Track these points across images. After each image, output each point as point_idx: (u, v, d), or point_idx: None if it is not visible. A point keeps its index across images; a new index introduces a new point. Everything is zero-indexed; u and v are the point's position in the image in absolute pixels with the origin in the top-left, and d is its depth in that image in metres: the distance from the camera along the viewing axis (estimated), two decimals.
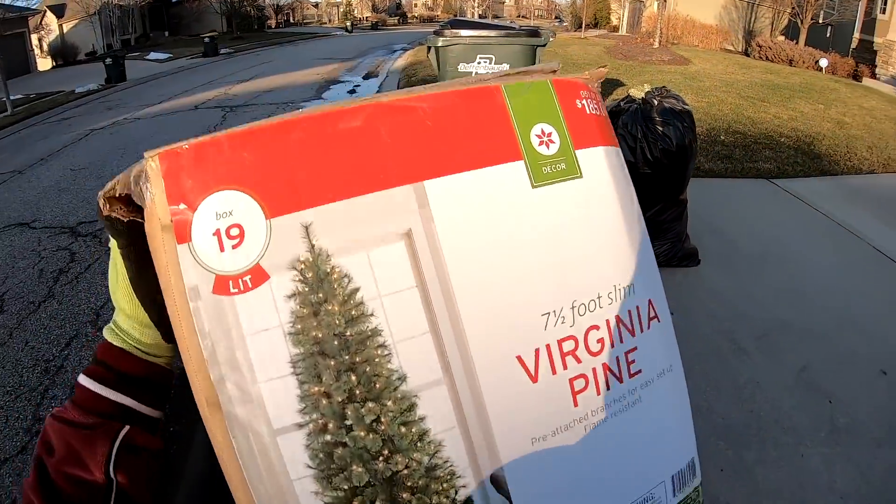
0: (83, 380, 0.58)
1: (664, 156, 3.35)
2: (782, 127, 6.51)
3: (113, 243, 0.56)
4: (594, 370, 0.54)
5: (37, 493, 0.52)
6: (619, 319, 0.57)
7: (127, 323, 0.59)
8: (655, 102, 3.40)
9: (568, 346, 0.53)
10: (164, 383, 0.62)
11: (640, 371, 0.58)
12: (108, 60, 12.75)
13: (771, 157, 5.71)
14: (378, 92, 9.61)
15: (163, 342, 0.59)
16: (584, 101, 0.58)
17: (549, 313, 0.52)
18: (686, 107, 3.47)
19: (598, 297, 0.55)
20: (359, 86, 10.81)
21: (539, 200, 0.53)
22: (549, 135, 0.54)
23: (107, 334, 0.60)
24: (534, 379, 0.51)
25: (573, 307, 0.53)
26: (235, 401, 0.45)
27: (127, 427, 0.57)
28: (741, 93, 7.86)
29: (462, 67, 3.96)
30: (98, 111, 9.03)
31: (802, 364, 3.08)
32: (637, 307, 0.59)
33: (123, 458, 0.55)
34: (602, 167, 0.58)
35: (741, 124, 6.57)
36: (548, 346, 0.52)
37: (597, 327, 0.55)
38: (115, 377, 0.58)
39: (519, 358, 0.50)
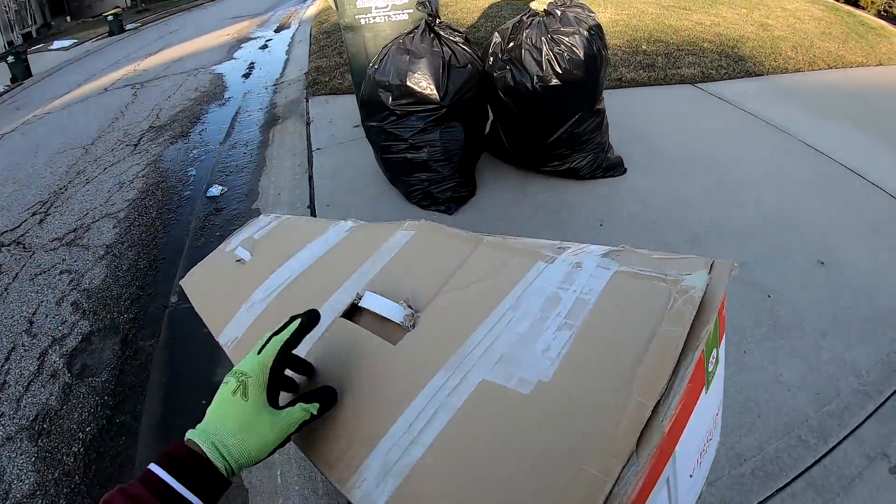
0: (166, 477, 0.63)
1: (573, 66, 3.10)
2: (705, 33, 6.29)
3: (288, 433, 0.71)
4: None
5: None
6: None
7: (237, 461, 0.67)
8: (559, 13, 3.12)
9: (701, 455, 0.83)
10: (223, 491, 0.68)
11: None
12: (10, 59, 11.75)
13: (694, 63, 5.49)
14: (290, 44, 9.45)
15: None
16: None
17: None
18: (591, 14, 3.21)
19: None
20: (270, 40, 10.28)
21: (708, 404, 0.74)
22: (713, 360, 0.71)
23: (207, 450, 0.66)
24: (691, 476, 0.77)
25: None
26: None
27: None
28: (661, 2, 7.61)
29: (360, 3, 3.66)
30: (6, 113, 8.28)
31: (738, 262, 2.88)
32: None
33: None
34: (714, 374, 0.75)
35: (663, 33, 6.32)
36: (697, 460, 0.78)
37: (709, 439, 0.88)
38: (197, 481, 0.64)
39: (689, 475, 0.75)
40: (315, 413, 0.74)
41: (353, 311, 0.92)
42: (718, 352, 0.72)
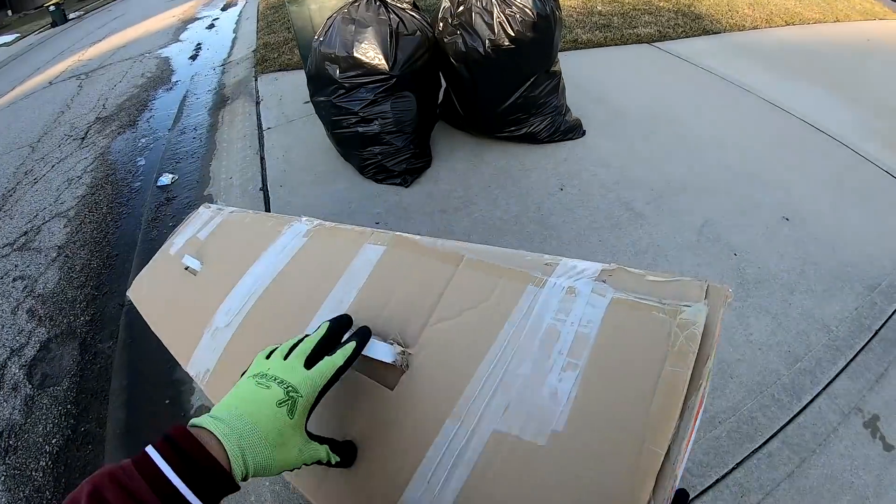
0: (171, 475, 0.57)
1: (526, 28, 2.99)
2: None
3: (314, 456, 0.70)
4: None
5: None
6: None
7: (256, 467, 0.63)
8: None
9: None
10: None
11: None
12: None
13: (651, 22, 5.42)
14: (237, 21, 9.17)
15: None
16: None
17: None
18: None
19: None
20: (217, 19, 9.93)
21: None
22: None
23: (228, 446, 0.61)
24: None
25: None
26: None
27: None
28: None
29: None
30: None
31: (702, 221, 2.86)
32: None
33: None
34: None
35: None
36: None
37: None
38: (204, 483, 0.58)
39: None
40: (332, 464, 0.73)
41: None
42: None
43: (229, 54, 7.28)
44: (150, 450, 0.58)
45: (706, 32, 5.30)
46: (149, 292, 1.40)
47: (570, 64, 4.29)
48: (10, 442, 2.59)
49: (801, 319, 2.34)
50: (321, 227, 1.14)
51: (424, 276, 0.89)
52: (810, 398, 2.06)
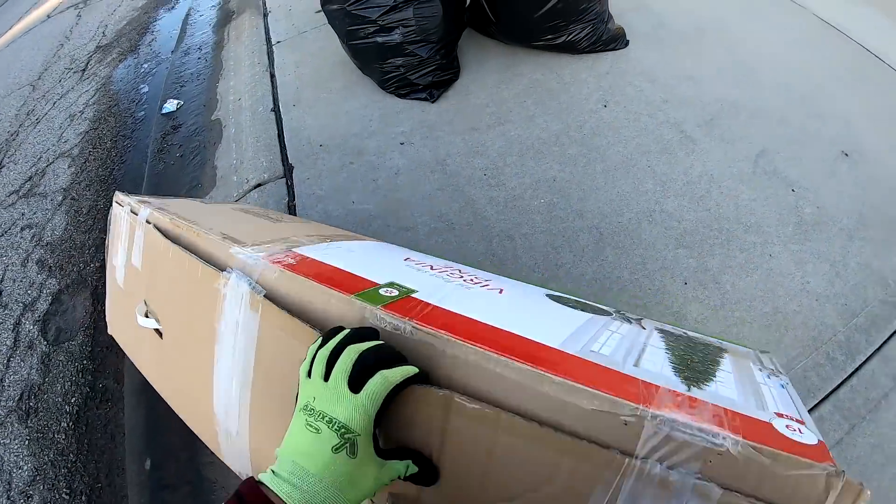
0: None
1: None
2: None
3: (391, 473, 0.67)
4: None
5: None
6: None
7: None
8: None
9: None
10: None
11: None
12: None
13: None
14: None
15: None
16: None
17: None
18: None
19: None
20: None
21: None
22: None
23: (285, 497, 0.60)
24: None
25: None
26: None
27: None
28: None
29: None
30: None
31: (758, 150, 2.63)
32: None
33: None
34: None
35: None
36: None
37: None
38: None
39: None
40: (411, 476, 0.70)
41: None
42: None
43: None
44: None
45: None
46: (129, 341, 1.31)
47: None
48: (31, 403, 2.56)
49: (859, 270, 2.16)
50: (269, 308, 0.88)
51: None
52: (864, 359, 1.92)
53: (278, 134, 3.19)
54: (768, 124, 2.76)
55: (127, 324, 1.29)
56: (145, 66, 5.12)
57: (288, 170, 2.92)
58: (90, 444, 2.37)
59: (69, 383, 2.60)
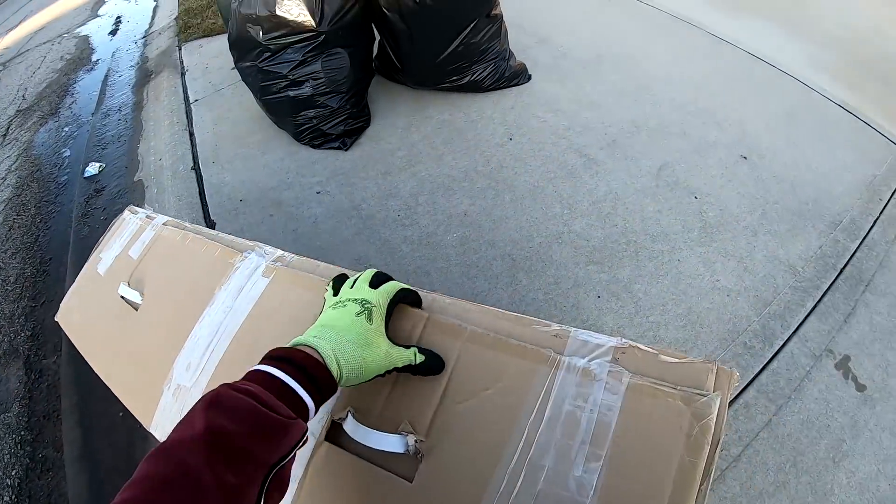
0: (281, 375, 0.65)
1: None
2: None
3: (400, 356, 0.78)
4: None
5: (205, 453, 0.53)
6: None
7: (349, 375, 0.71)
8: None
9: None
10: (327, 399, 0.71)
11: None
12: None
13: None
14: None
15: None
16: None
17: None
18: None
19: None
20: None
21: None
22: None
23: (322, 349, 0.70)
24: None
25: None
26: None
27: (308, 427, 0.64)
28: None
29: None
30: None
31: (659, 164, 2.75)
32: None
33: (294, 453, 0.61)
34: None
35: None
36: None
37: None
38: (311, 384, 0.66)
39: None
40: (420, 363, 0.79)
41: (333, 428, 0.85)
42: None
43: (151, 24, 6.82)
44: (259, 366, 0.67)
45: None
46: (83, 322, 1.29)
47: (510, 5, 4.07)
48: None
49: (767, 262, 2.27)
50: (284, 270, 1.05)
51: None
52: (782, 343, 2.01)
53: (199, 191, 3.19)
54: (668, 139, 2.88)
55: (89, 305, 1.31)
56: (66, 129, 5.03)
57: (210, 226, 2.90)
58: None
59: (8, 455, 2.49)
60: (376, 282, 0.84)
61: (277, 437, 0.58)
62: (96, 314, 1.27)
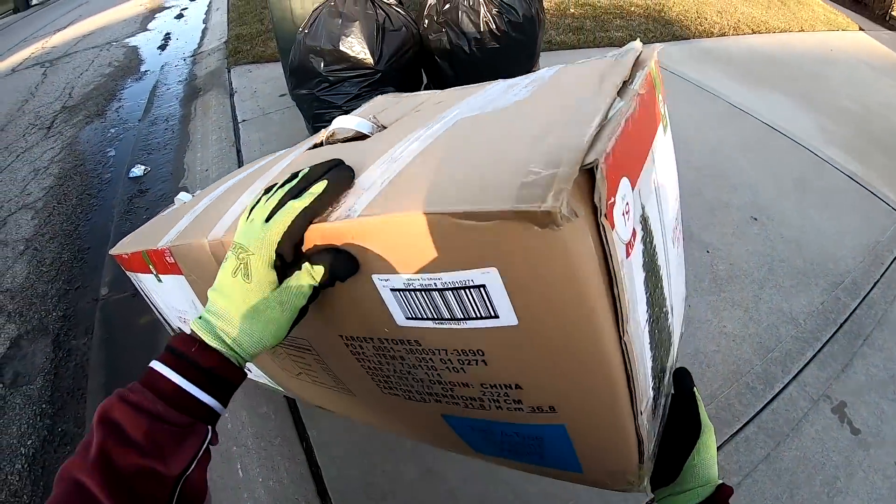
0: (171, 375, 0.59)
1: (511, 28, 3.06)
2: None
3: (295, 308, 0.62)
4: (678, 229, 0.98)
5: (99, 477, 0.51)
6: (678, 199, 0.97)
7: (245, 350, 0.62)
8: None
9: (677, 224, 0.96)
10: (237, 387, 0.65)
11: (679, 227, 1.02)
12: None
13: (622, 27, 5.54)
14: (207, 11, 9.01)
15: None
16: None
17: (676, 207, 0.93)
18: None
19: (678, 191, 0.97)
20: (186, 8, 9.62)
21: (667, 144, 0.89)
22: (662, 99, 0.86)
23: (209, 339, 0.61)
24: (674, 245, 0.88)
25: (676, 198, 0.94)
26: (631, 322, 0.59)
27: (211, 429, 0.60)
28: None
29: None
30: None
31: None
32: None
33: (202, 456, 0.58)
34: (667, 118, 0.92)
35: None
36: (675, 226, 0.90)
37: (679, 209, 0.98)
38: (207, 380, 0.60)
39: (672, 239, 0.86)
40: (322, 281, 0.62)
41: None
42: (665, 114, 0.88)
43: (200, 45, 7.13)
44: (154, 364, 0.60)
45: (675, 38, 5.45)
46: (128, 240, 1.36)
47: (545, 64, 4.33)
48: None
49: (771, 313, 2.47)
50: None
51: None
52: (782, 386, 2.19)
53: None
54: (685, 197, 3.05)
55: (141, 230, 1.37)
56: (112, 130, 5.22)
57: None
58: (46, 487, 2.31)
59: (26, 426, 2.55)
60: (276, 205, 0.62)
61: (173, 449, 0.55)
62: (143, 230, 1.35)
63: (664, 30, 5.56)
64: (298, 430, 2.09)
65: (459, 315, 0.59)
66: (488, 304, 0.56)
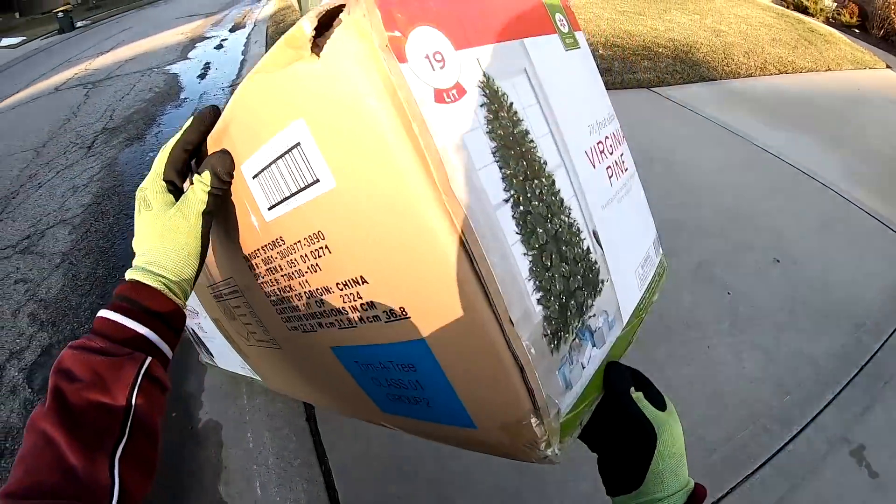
0: (108, 314, 0.63)
1: None
2: (659, 38, 6.45)
3: (196, 214, 0.67)
4: (614, 163, 0.81)
5: (55, 418, 0.55)
6: (614, 134, 0.85)
7: (169, 270, 0.67)
8: None
9: (599, 147, 0.77)
10: (180, 325, 0.69)
11: (627, 169, 0.88)
12: None
13: (650, 68, 5.63)
14: (246, 43, 9.33)
15: (190, 286, 0.71)
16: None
17: (591, 125, 0.77)
18: None
19: (604, 118, 0.82)
20: (225, 39, 10.01)
21: (568, 60, 0.77)
22: (562, 21, 0.78)
23: (136, 275, 0.66)
24: (593, 167, 0.74)
25: (597, 123, 0.79)
26: (458, 185, 0.53)
27: (150, 357, 0.62)
28: (617, 7, 7.75)
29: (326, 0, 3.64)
30: None
31: (697, 261, 3.00)
32: (617, 127, 0.88)
33: (144, 385, 0.60)
34: (584, 43, 0.84)
35: (618, 38, 6.44)
36: (592, 146, 0.76)
37: (607, 137, 0.81)
38: (142, 312, 0.64)
39: (585, 153, 0.73)
40: (216, 185, 0.68)
41: None
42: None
43: (238, 75, 7.33)
44: (101, 311, 0.64)
45: (703, 79, 5.53)
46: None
47: None
48: (7, 445, 2.56)
49: (791, 355, 2.48)
50: None
51: None
52: (800, 428, 2.18)
53: None
54: (708, 239, 3.15)
55: None
56: (151, 154, 5.31)
57: None
58: None
59: None
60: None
61: (114, 378, 0.58)
62: None
63: (692, 71, 5.64)
64: (318, 453, 2.14)
65: (293, 187, 0.61)
66: (309, 166, 0.58)
